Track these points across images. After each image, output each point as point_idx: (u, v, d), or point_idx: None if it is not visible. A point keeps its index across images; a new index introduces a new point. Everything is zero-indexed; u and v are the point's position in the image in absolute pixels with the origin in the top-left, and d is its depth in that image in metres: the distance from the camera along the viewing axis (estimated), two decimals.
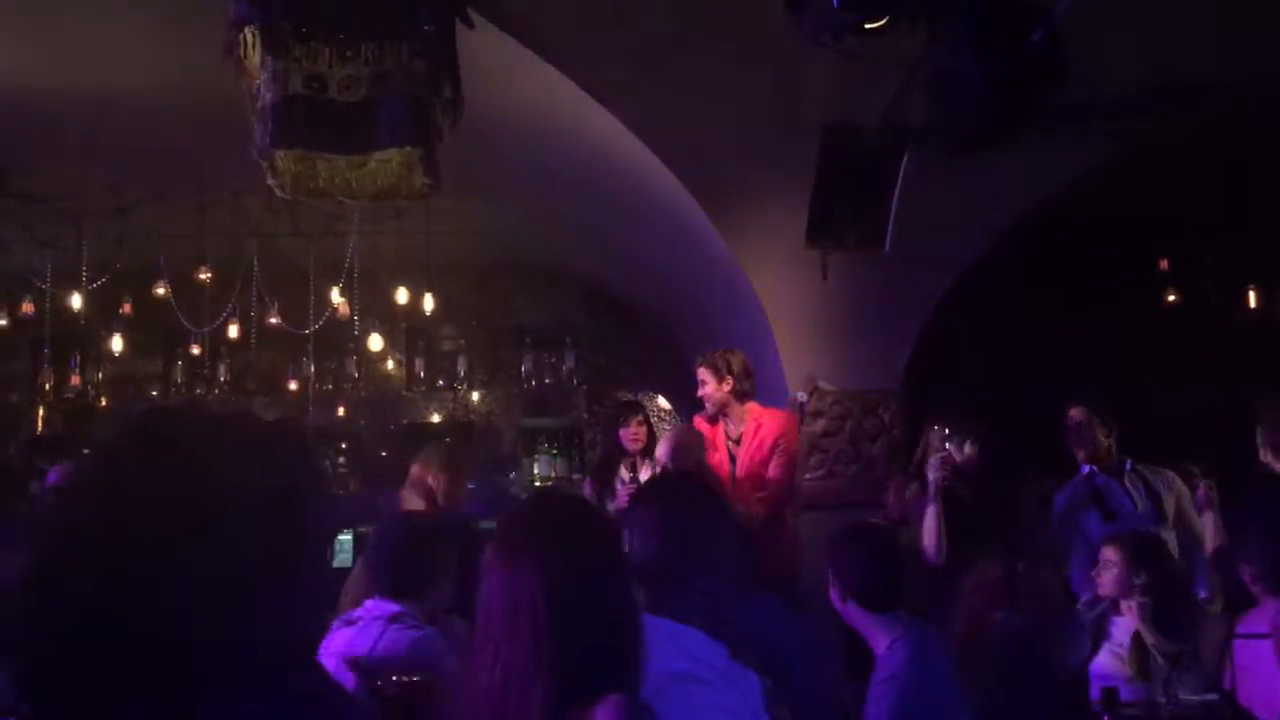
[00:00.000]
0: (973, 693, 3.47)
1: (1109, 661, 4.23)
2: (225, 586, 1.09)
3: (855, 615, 3.16)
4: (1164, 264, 8.56)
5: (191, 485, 1.11)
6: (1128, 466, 5.25)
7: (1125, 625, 4.29)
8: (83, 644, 1.07)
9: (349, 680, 2.76)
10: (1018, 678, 3.53)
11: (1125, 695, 3.94)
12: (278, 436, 1.23)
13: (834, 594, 3.18)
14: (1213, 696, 4.00)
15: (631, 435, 5.59)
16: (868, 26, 3.77)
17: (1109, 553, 4.33)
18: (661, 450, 5.13)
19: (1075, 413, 5.36)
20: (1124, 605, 4.33)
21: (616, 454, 5.65)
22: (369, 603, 3.19)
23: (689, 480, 2.67)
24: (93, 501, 1.12)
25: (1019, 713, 3.52)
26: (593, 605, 1.74)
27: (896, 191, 5.76)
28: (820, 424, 6.22)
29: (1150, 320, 8.35)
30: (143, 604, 1.06)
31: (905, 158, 5.61)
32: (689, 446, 5.08)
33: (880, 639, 3.13)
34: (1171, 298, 8.60)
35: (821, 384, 6.28)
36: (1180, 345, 7.82)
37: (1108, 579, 4.29)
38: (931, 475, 4.98)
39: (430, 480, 4.77)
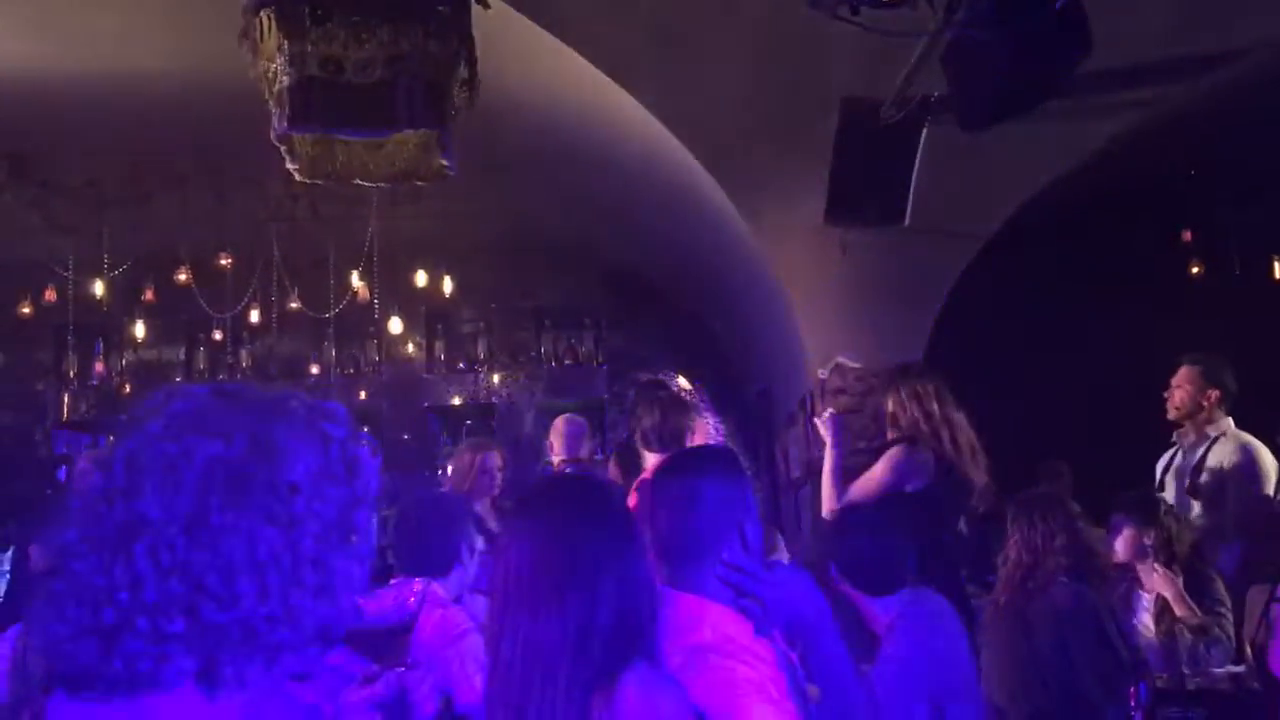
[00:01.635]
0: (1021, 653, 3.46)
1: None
2: (288, 561, 1.10)
3: (853, 594, 3.13)
4: (1187, 235, 8.48)
5: (255, 458, 1.11)
6: (1212, 436, 4.87)
7: (1149, 599, 4.29)
8: (127, 624, 1.06)
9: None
10: (1080, 644, 3.51)
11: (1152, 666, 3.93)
12: (328, 413, 1.23)
13: (833, 572, 3.15)
14: (1239, 668, 3.99)
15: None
16: None
17: (1117, 517, 4.34)
18: (558, 443, 5.41)
19: (1181, 372, 4.94)
20: (1145, 578, 4.32)
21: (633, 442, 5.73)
22: (394, 581, 3.20)
23: (712, 453, 2.67)
24: (152, 474, 1.10)
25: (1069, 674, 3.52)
26: (612, 577, 1.75)
27: (916, 165, 5.72)
28: (843, 401, 6.20)
29: (1174, 291, 8.28)
30: (199, 579, 1.06)
31: (924, 131, 5.57)
32: (582, 436, 5.43)
33: (878, 619, 3.10)
34: (1195, 269, 8.53)
35: (843, 360, 6.25)
36: (1204, 316, 7.76)
37: (1120, 543, 4.30)
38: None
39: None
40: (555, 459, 5.42)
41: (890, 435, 4.46)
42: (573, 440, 5.41)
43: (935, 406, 4.32)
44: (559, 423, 5.53)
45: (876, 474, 4.28)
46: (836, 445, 4.47)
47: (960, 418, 4.36)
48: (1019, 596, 3.69)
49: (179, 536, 1.08)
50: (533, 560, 1.77)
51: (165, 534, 1.07)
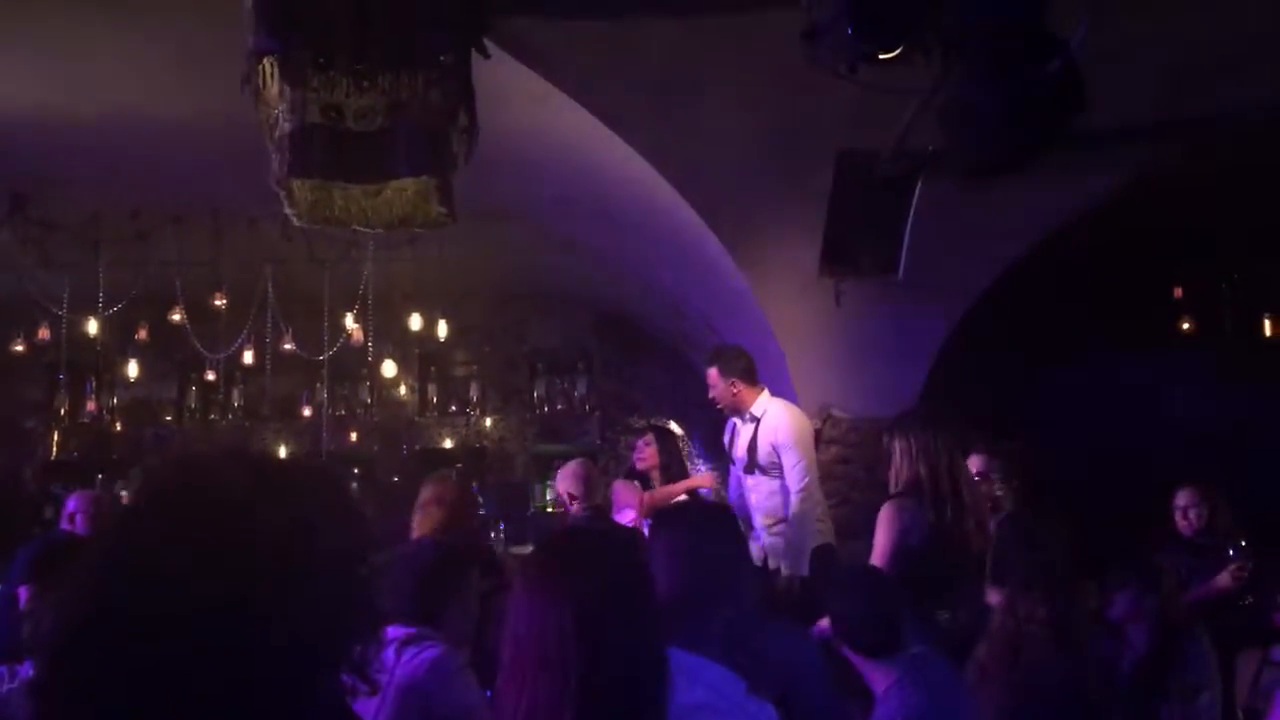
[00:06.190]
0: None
1: None
2: (310, 635, 1.10)
3: (852, 656, 3.11)
4: (1179, 292, 8.53)
5: (290, 531, 1.11)
6: None
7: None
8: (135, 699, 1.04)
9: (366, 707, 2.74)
10: None
11: None
12: (338, 488, 1.25)
13: (832, 635, 3.13)
14: None
15: (639, 456, 5.84)
16: (882, 56, 3.76)
17: (1118, 587, 4.33)
18: (562, 484, 5.29)
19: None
20: (1135, 640, 4.29)
21: (631, 476, 5.87)
22: (388, 630, 3.15)
23: (707, 510, 2.66)
24: (173, 549, 1.09)
25: None
26: (622, 639, 1.72)
27: (910, 219, 5.76)
28: (835, 451, 6.19)
29: (1165, 347, 8.31)
30: (212, 656, 1.05)
31: (919, 185, 5.61)
32: (593, 480, 5.26)
33: (877, 682, 3.06)
34: (1186, 326, 8.56)
35: (835, 411, 6.26)
36: (1195, 373, 7.78)
37: (1119, 605, 4.28)
38: None
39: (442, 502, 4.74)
40: (575, 505, 5.24)
41: (892, 489, 4.47)
42: (592, 486, 5.27)
43: (940, 461, 4.33)
44: (578, 468, 5.33)
45: (880, 542, 4.27)
46: None
47: (968, 472, 4.41)
48: (1002, 666, 3.64)
49: None
50: (539, 620, 1.73)
51: None
